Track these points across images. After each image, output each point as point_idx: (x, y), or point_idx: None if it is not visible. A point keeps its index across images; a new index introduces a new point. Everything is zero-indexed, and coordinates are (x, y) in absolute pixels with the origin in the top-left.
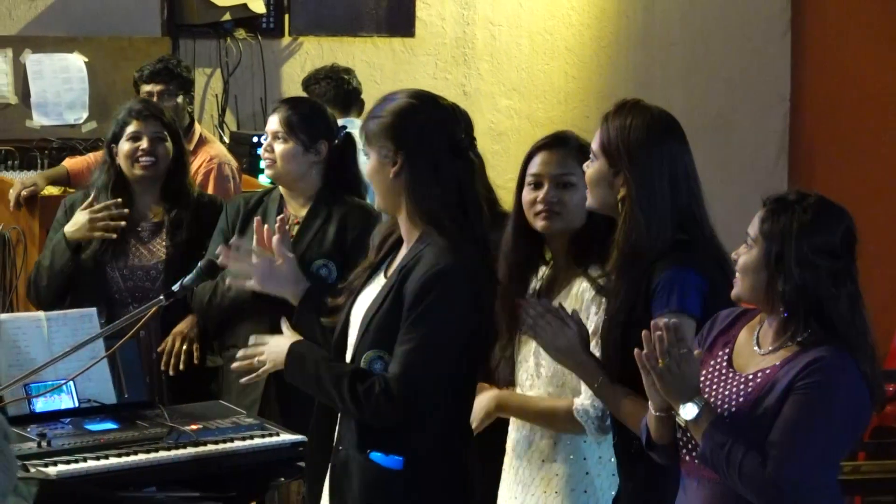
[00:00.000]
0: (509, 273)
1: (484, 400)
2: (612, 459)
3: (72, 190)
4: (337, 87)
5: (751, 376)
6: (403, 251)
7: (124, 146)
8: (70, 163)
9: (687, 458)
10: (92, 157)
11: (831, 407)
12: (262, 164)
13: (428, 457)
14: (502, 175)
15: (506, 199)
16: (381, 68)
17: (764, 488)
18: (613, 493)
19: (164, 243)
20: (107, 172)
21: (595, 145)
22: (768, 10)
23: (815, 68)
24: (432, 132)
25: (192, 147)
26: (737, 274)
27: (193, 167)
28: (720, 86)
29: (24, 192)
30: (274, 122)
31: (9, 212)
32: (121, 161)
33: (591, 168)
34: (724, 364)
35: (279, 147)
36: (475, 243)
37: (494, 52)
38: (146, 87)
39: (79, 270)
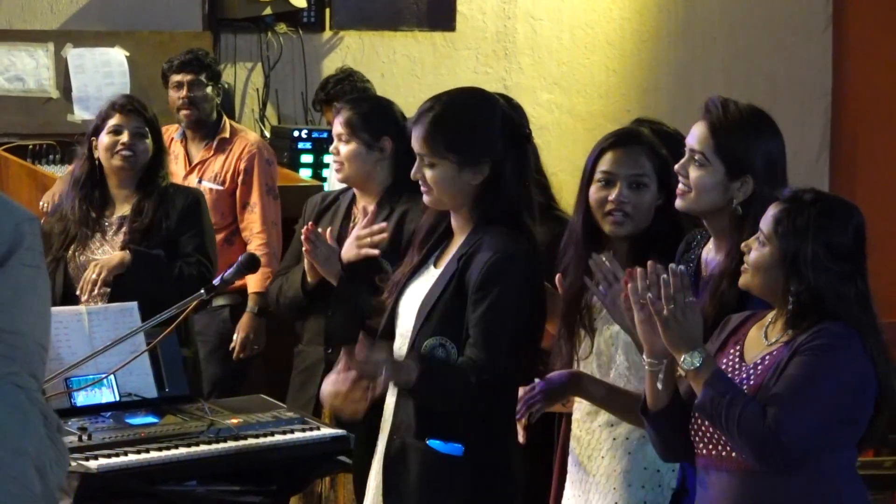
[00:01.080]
0: (575, 269)
1: (558, 375)
2: None
3: None
4: (353, 87)
5: (758, 361)
6: (458, 241)
7: (105, 139)
8: None
9: (703, 450)
10: None
11: (834, 366)
12: (333, 169)
13: (485, 443)
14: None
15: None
16: (422, 62)
17: (762, 441)
18: (674, 486)
19: (124, 231)
20: (81, 167)
21: (703, 146)
22: (810, 5)
23: (857, 63)
24: (484, 126)
25: (227, 136)
26: (747, 266)
27: (234, 154)
28: (761, 80)
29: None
30: (337, 124)
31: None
32: (100, 153)
33: (702, 172)
34: (736, 359)
35: (344, 149)
36: (527, 234)
37: (535, 47)
38: (176, 77)
39: None
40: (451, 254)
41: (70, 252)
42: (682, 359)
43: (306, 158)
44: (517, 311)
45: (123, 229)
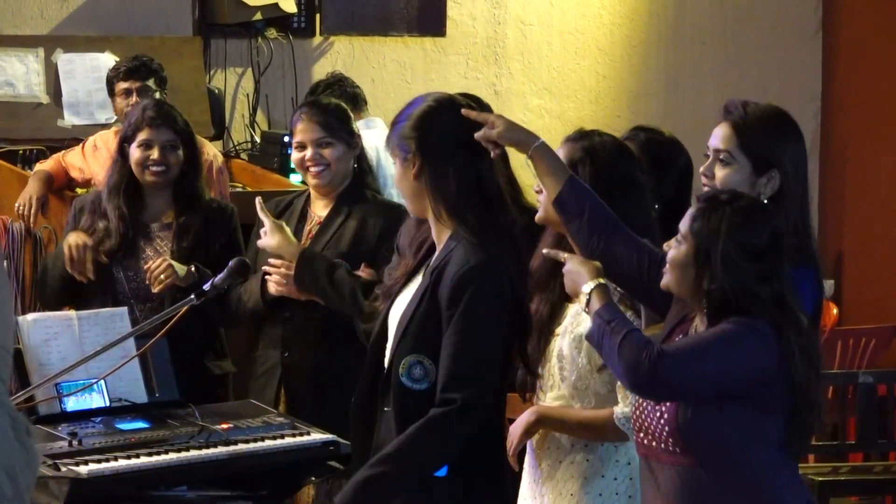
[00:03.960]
0: (545, 270)
1: (524, 416)
2: (629, 462)
3: (82, 190)
4: (343, 92)
5: None
6: (437, 251)
7: (135, 153)
8: (45, 167)
9: (644, 441)
10: (61, 156)
11: (733, 339)
12: (311, 177)
13: (471, 462)
14: (533, 174)
15: (536, 199)
16: (412, 68)
17: (636, 365)
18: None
19: (171, 247)
20: (118, 172)
21: (727, 144)
22: (799, 10)
23: (847, 67)
24: (446, 130)
25: None
26: (666, 266)
27: None
28: (751, 85)
29: (33, 211)
30: (313, 130)
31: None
32: (132, 165)
33: (728, 170)
34: None
35: (330, 152)
36: (501, 235)
37: (525, 52)
38: (123, 85)
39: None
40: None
41: (118, 256)
42: (581, 292)
43: None
44: (486, 327)
45: (170, 245)
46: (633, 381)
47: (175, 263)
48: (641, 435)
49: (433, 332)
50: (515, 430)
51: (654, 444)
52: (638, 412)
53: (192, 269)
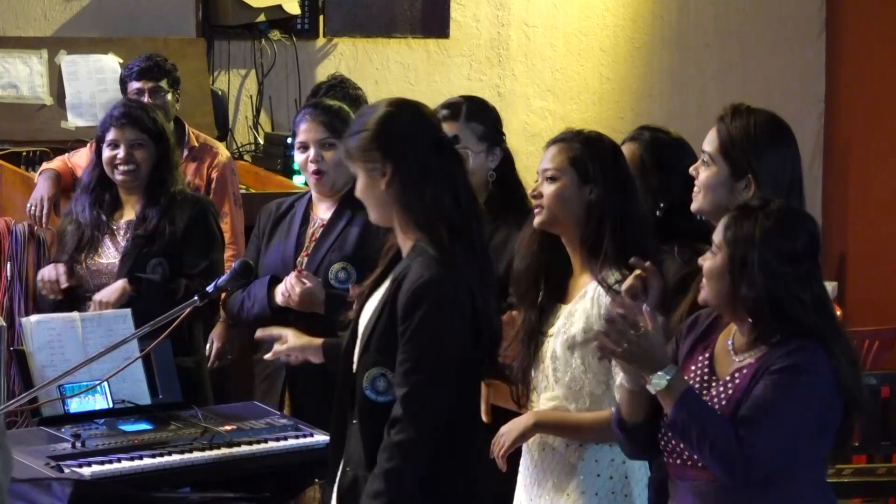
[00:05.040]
0: (530, 275)
1: (521, 420)
2: (625, 461)
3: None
4: (344, 94)
5: (728, 378)
6: (401, 261)
7: (105, 152)
8: (53, 166)
9: (671, 460)
10: (66, 157)
11: (802, 387)
12: (311, 179)
13: (438, 470)
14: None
15: None
16: (416, 69)
17: (732, 462)
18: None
19: (127, 237)
20: (90, 173)
21: (711, 148)
22: (803, 11)
23: (851, 69)
24: (415, 135)
25: (196, 145)
26: (703, 280)
27: (206, 163)
28: (755, 87)
29: (45, 211)
30: (317, 130)
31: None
32: (104, 165)
33: (708, 172)
34: (706, 371)
35: (332, 154)
36: (468, 246)
37: (529, 54)
38: (136, 85)
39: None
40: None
41: (82, 255)
42: (650, 380)
43: None
44: (437, 343)
45: (127, 235)
46: (730, 475)
47: (104, 291)
48: (675, 457)
49: (394, 343)
50: (510, 433)
51: (688, 462)
52: (668, 441)
53: (126, 282)
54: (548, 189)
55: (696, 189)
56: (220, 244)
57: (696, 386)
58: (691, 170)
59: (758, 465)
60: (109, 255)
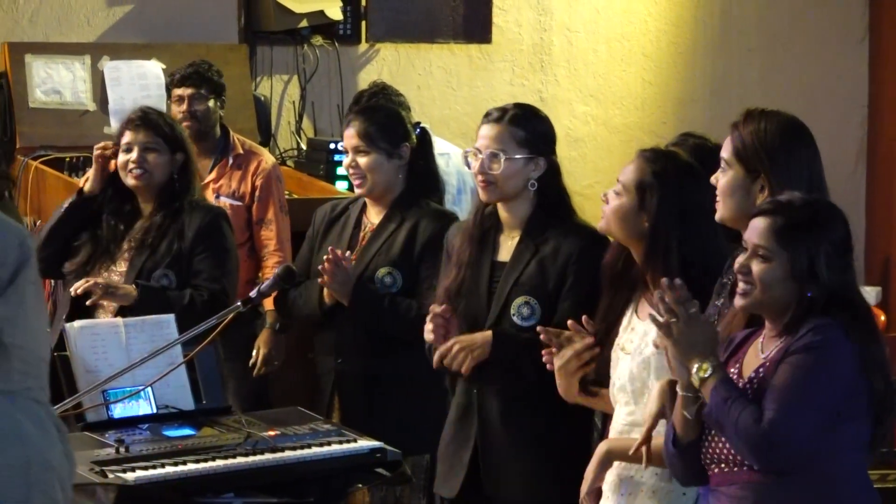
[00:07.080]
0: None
1: (597, 454)
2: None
3: None
4: (387, 100)
5: (753, 374)
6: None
7: (120, 157)
8: None
9: (714, 468)
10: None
11: (824, 362)
12: (353, 182)
13: None
14: (579, 181)
15: (582, 206)
16: (458, 75)
17: (756, 443)
18: None
19: (131, 245)
20: (105, 180)
21: (727, 153)
22: (846, 16)
23: (894, 74)
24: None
25: (241, 152)
26: (756, 284)
27: (250, 171)
28: (798, 92)
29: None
30: (352, 136)
31: None
32: (119, 170)
33: (725, 177)
34: (736, 377)
35: (363, 160)
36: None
37: (571, 59)
38: (177, 91)
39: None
40: None
41: (97, 267)
42: (693, 369)
43: (343, 171)
44: None
45: (133, 244)
46: (757, 458)
47: (113, 280)
48: (713, 466)
49: None
50: (589, 469)
51: (727, 468)
52: (709, 447)
53: (134, 288)
54: (610, 204)
55: (717, 198)
56: (230, 255)
57: None
58: (712, 178)
59: (782, 449)
60: (116, 258)
